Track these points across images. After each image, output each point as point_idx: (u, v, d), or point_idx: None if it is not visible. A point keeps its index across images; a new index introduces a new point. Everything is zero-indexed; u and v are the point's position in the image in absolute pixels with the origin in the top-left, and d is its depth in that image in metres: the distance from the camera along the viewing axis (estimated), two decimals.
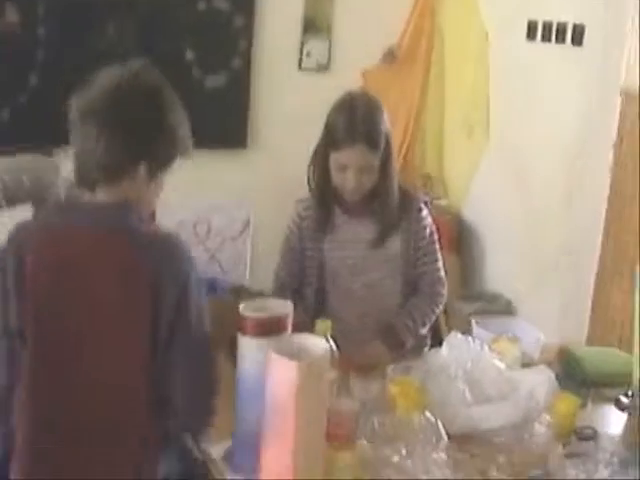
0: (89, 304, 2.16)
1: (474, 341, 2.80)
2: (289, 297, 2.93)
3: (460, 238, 5.70)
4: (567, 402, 2.62)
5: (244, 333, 2.18)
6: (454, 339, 2.81)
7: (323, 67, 5.75)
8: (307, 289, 3.18)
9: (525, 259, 5.22)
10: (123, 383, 2.19)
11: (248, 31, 5.49)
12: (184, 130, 2.31)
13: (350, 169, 2.97)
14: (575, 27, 4.76)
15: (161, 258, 2.15)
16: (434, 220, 5.00)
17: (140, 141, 2.21)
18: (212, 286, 5.36)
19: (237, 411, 2.23)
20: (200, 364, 2.22)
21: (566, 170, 4.85)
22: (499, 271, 5.52)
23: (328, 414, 2.13)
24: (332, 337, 2.37)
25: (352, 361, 2.39)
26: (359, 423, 2.32)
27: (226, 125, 5.41)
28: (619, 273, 4.70)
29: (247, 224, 5.60)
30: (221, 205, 5.47)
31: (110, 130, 2.16)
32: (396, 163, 3.14)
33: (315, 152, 3.09)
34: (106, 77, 2.24)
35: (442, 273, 3.26)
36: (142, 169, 2.22)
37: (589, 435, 2.55)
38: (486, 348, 2.80)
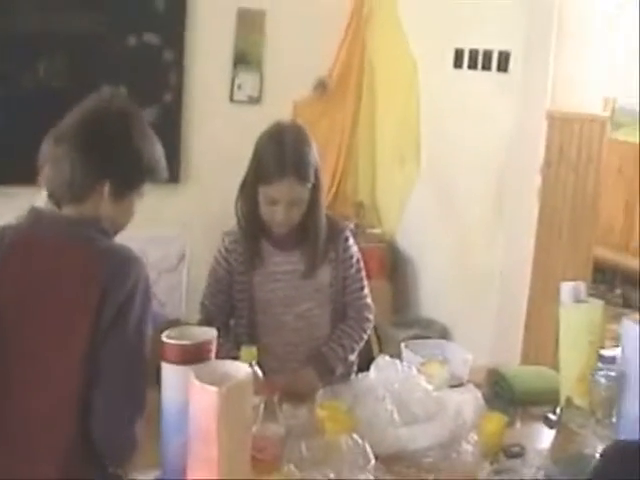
0: (41, 307, 2.23)
1: (402, 364, 2.82)
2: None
3: (394, 265, 5.77)
4: (494, 420, 2.64)
5: (167, 360, 2.17)
6: (382, 362, 2.82)
7: (254, 99, 5.79)
8: (238, 322, 3.17)
9: (458, 284, 5.27)
10: (59, 387, 2.20)
11: (178, 65, 5.52)
12: (152, 154, 2.39)
13: (280, 202, 2.95)
14: (500, 54, 4.84)
15: (113, 268, 2.21)
16: (368, 249, 5.06)
17: (104, 161, 2.29)
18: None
19: (162, 439, 2.22)
20: (127, 378, 2.21)
21: (495, 195, 4.92)
22: (433, 297, 5.57)
23: (253, 439, 2.13)
24: (260, 365, 2.39)
25: (278, 386, 2.39)
26: (286, 448, 2.33)
27: None
28: (550, 294, 4.76)
29: (182, 257, 5.60)
30: (156, 238, 5.45)
31: (77, 151, 2.27)
32: (324, 194, 3.14)
33: (243, 185, 3.06)
34: (81, 105, 2.35)
35: (369, 300, 3.28)
36: (106, 189, 2.29)
37: (517, 452, 2.57)
38: (414, 369, 2.82)
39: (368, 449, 2.36)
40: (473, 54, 5.02)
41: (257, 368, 2.37)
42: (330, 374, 3.08)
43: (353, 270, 3.21)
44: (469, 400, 2.72)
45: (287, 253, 3.11)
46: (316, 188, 3.02)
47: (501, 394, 3.01)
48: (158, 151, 2.42)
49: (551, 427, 2.83)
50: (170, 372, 2.17)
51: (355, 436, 2.39)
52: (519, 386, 3.00)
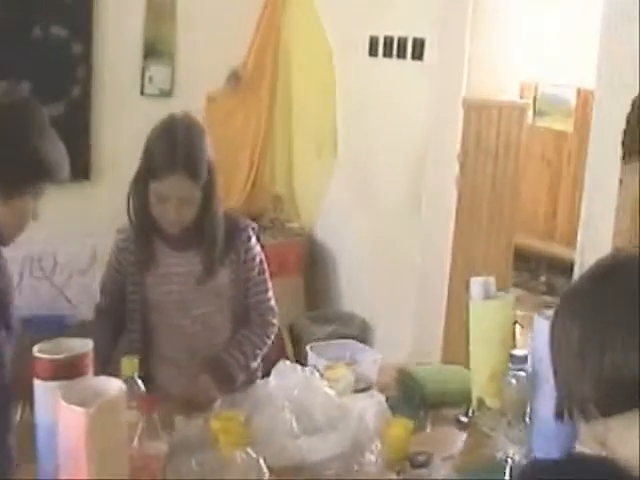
0: None
1: (303, 368, 2.68)
2: (105, 326, 2.90)
3: (313, 260, 5.64)
4: (398, 426, 2.50)
5: (37, 376, 2.01)
6: (282, 367, 2.68)
7: (166, 92, 5.60)
8: (132, 327, 2.99)
9: (378, 276, 5.15)
10: None
11: (87, 58, 5.32)
12: (48, 153, 2.20)
13: (170, 200, 2.76)
14: (415, 41, 4.71)
15: None
16: (286, 243, 4.91)
17: None
18: (60, 322, 5.17)
19: (37, 461, 2.06)
20: None
21: (413, 184, 4.80)
22: (353, 291, 5.45)
23: (132, 458, 1.98)
24: (154, 373, 2.23)
25: (159, 400, 2.23)
26: (176, 463, 2.19)
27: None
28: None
29: (94, 257, 5.40)
30: (66, 238, 5.27)
31: None
32: (219, 191, 2.93)
33: (134, 180, 2.87)
34: None
35: (273, 302, 3.10)
36: None
37: (423, 461, 2.44)
38: (316, 374, 2.68)
39: (262, 463, 2.20)
40: (388, 42, 4.89)
41: (139, 381, 2.23)
42: (230, 382, 2.90)
43: (255, 271, 3.03)
44: (371, 404, 2.58)
45: (182, 253, 2.95)
46: (209, 185, 2.84)
47: (410, 395, 2.88)
48: (58, 150, 2.24)
49: (462, 430, 2.71)
50: (41, 389, 2.01)
51: (249, 449, 2.23)
52: (429, 387, 2.87)
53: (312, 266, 5.62)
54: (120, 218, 4.41)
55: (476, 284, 2.74)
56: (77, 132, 5.25)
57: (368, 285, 5.27)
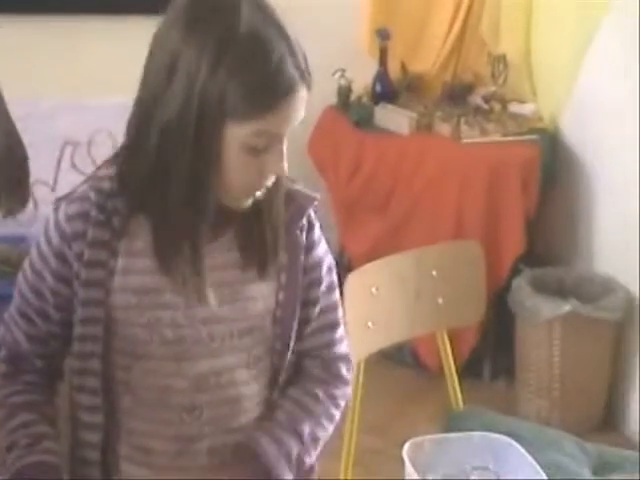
0: None
1: None
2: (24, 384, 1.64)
3: (552, 177, 3.59)
4: None
5: None
6: None
7: None
8: (85, 367, 1.64)
9: None
10: None
11: None
12: None
13: (276, 142, 1.53)
14: None
15: None
16: (508, 143, 3.57)
17: None
18: None
19: None
20: None
21: None
22: (615, 241, 3.40)
23: None
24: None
25: None
26: None
27: None
28: None
29: None
30: None
31: None
32: None
33: (179, 129, 1.45)
34: None
35: (345, 345, 1.79)
36: None
37: None
38: None
39: None
40: None
41: None
42: None
43: (322, 287, 1.72)
44: None
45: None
46: None
47: None
48: None
49: None
50: None
51: None
52: None
53: (549, 189, 3.59)
54: None
55: None
56: None
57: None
